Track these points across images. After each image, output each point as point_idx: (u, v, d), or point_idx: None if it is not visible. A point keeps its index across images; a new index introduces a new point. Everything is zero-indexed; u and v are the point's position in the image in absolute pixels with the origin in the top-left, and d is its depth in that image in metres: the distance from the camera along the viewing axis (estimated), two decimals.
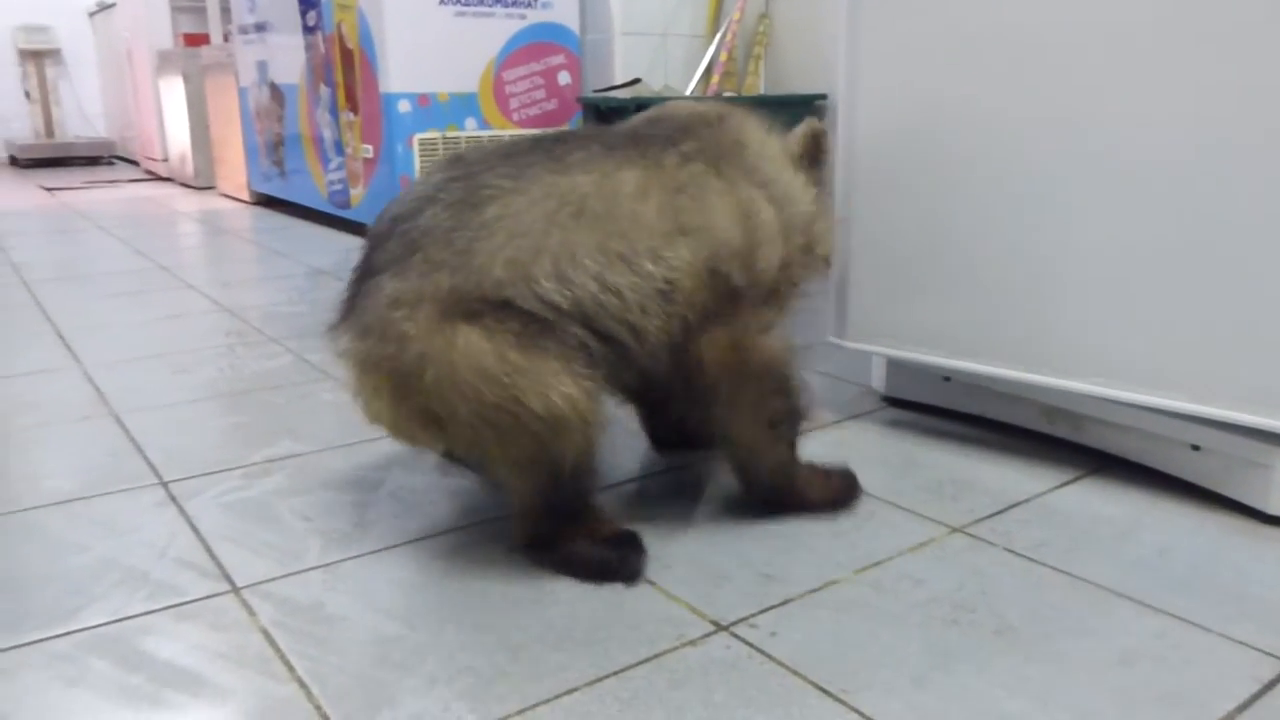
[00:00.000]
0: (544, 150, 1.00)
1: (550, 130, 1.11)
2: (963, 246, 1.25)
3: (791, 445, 1.09)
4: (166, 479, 1.23)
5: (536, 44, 2.94)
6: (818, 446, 1.33)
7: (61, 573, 1.00)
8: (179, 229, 3.52)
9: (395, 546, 1.05)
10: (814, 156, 1.19)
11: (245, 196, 4.19)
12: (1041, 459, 1.28)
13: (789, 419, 1.07)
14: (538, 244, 0.93)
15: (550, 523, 1.00)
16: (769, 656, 0.85)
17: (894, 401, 1.50)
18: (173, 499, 1.17)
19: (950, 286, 1.27)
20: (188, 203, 4.28)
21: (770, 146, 1.13)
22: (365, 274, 1.00)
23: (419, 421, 0.96)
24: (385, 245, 0.98)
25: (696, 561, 1.02)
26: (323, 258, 2.82)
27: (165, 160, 5.20)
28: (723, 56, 2.89)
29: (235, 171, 4.26)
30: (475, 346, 0.91)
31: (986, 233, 1.22)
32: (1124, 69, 1.08)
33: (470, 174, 0.98)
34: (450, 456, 1.28)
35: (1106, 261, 1.13)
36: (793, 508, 1.11)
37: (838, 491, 1.15)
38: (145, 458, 1.30)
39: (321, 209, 3.44)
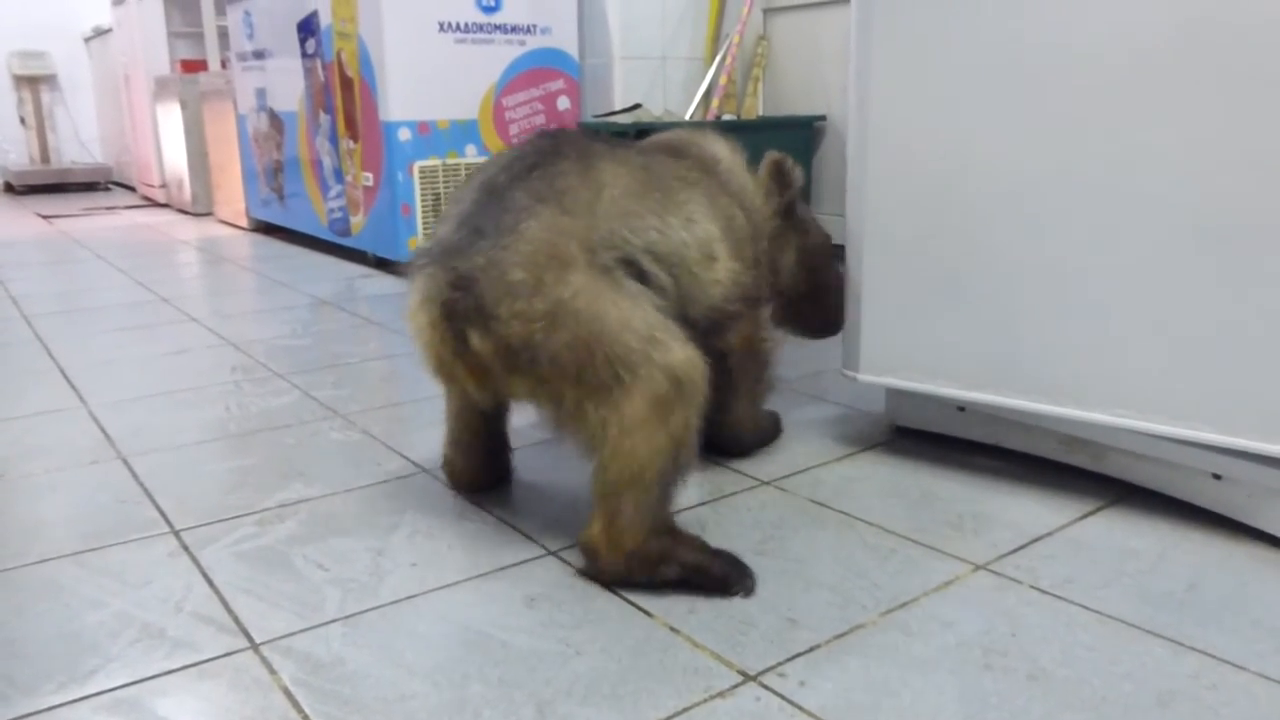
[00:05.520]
0: (604, 141, 1.21)
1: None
2: (976, 277, 1.24)
3: (759, 410, 1.44)
4: (178, 527, 1.21)
5: (536, 70, 2.94)
6: (832, 479, 1.32)
7: (77, 630, 0.98)
8: (179, 258, 3.51)
9: (415, 597, 1.03)
10: (780, 183, 1.41)
11: (243, 223, 4.18)
12: (1061, 489, 1.26)
13: (765, 394, 1.43)
14: (639, 203, 1.11)
15: (656, 539, 1.03)
16: (800, 709, 0.83)
17: (906, 431, 1.49)
18: (185, 548, 1.15)
19: (964, 317, 1.26)
20: (186, 230, 4.27)
21: (739, 164, 1.37)
22: (497, 211, 1.05)
23: (526, 368, 1.02)
24: (520, 187, 1.07)
25: (718, 606, 1.00)
26: (324, 287, 2.81)
27: (163, 186, 5.19)
28: (722, 79, 2.89)
29: (233, 198, 4.25)
30: (616, 299, 1.02)
31: (1000, 263, 1.21)
32: (1141, 99, 1.07)
33: (570, 142, 1.14)
34: (469, 481, 1.30)
35: (1124, 290, 1.12)
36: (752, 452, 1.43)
37: (774, 429, 1.50)
38: (156, 504, 1.28)
39: (321, 236, 3.44)
